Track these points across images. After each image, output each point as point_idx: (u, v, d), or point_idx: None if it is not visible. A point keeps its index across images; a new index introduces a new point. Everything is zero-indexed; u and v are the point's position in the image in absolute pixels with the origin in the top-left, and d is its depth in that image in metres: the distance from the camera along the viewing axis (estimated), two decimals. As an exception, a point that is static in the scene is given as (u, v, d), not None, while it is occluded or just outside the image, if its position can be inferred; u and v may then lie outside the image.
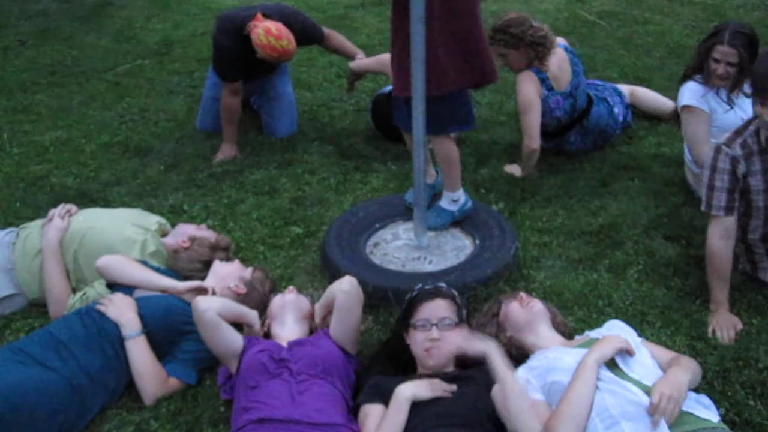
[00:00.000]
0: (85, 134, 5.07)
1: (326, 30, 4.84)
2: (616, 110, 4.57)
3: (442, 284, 2.90)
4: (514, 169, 4.31)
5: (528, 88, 4.15)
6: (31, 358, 2.68)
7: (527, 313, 2.74)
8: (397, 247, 3.59)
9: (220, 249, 3.44)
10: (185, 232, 3.51)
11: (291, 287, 3.13)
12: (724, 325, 3.04)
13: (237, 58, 4.48)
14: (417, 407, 2.46)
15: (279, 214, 4.04)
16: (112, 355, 2.78)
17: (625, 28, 6.65)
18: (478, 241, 3.53)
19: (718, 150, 3.07)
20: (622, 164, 4.38)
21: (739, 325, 3.04)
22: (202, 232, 3.51)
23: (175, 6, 8.00)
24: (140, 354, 2.80)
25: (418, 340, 2.69)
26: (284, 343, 2.79)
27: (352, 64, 4.76)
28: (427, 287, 2.86)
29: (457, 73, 3.29)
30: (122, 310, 2.86)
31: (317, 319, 2.99)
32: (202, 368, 2.93)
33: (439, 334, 2.66)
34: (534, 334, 2.71)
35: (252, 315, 2.95)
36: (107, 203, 4.18)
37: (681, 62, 5.73)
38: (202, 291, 3.04)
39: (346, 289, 2.81)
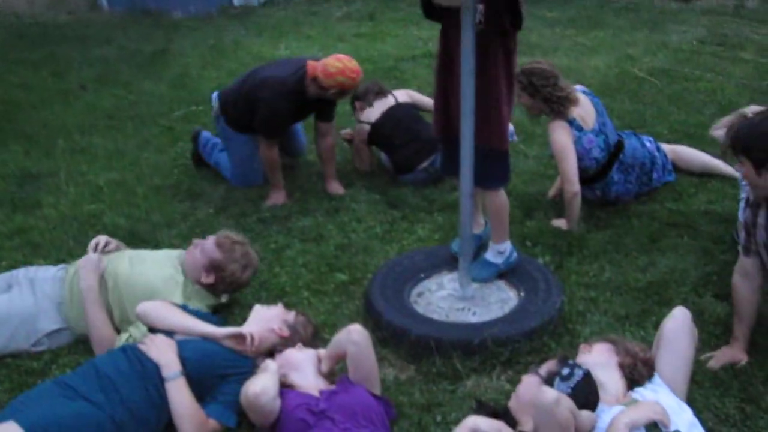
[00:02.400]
0: (138, 176, 5.20)
1: (330, 126, 4.91)
2: (648, 144, 4.61)
3: None
4: (561, 223, 4.29)
5: (560, 135, 4.22)
6: (75, 392, 2.71)
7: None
8: (442, 297, 3.58)
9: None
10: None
11: (299, 344, 3.07)
12: (722, 356, 3.08)
13: (293, 116, 4.65)
14: None
15: (324, 261, 4.07)
16: (153, 393, 2.80)
17: (676, 85, 6.64)
18: (523, 294, 3.51)
19: None
20: (672, 221, 4.33)
21: (742, 361, 3.08)
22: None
23: (230, 54, 8.23)
24: (180, 395, 2.81)
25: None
26: (315, 392, 2.78)
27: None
28: None
29: None
30: (163, 351, 2.88)
31: (324, 368, 2.96)
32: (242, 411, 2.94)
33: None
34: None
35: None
36: (157, 244, 4.25)
37: (733, 120, 5.69)
38: (241, 338, 3.04)
39: (356, 339, 2.84)
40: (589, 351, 2.86)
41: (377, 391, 2.88)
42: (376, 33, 9.00)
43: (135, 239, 4.31)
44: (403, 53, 7.87)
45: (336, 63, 4.48)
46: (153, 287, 3.34)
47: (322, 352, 3.01)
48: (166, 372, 2.82)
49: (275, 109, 4.58)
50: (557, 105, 4.23)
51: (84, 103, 6.81)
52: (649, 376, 2.77)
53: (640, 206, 4.49)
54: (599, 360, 2.78)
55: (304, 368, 2.93)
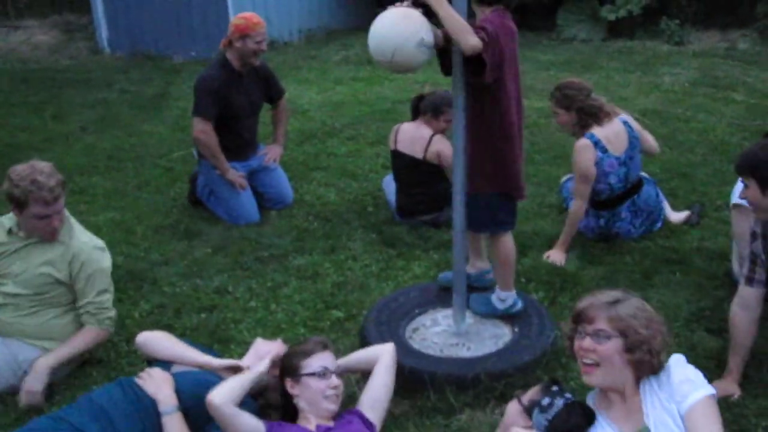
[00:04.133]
0: (137, 216, 5.25)
1: (284, 100, 5.39)
2: (660, 197, 4.73)
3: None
4: (555, 256, 4.35)
5: (585, 155, 4.34)
6: (69, 424, 2.73)
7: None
8: (436, 333, 3.61)
9: None
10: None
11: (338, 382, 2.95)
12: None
13: (225, 89, 4.92)
14: None
15: (321, 298, 4.10)
16: (149, 427, 2.82)
17: (668, 125, 6.73)
18: (516, 329, 3.54)
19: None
20: (665, 257, 4.37)
21: (735, 395, 3.10)
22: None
23: (230, 98, 8.33)
24: (175, 430, 2.83)
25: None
26: (312, 427, 2.80)
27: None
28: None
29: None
30: (159, 386, 2.91)
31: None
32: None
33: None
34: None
35: (272, 386, 3.00)
36: (155, 282, 4.30)
37: (724, 159, 5.78)
38: (238, 369, 3.06)
39: (391, 350, 3.06)
40: (595, 363, 2.49)
41: (381, 417, 2.93)
42: (374, 77, 9.14)
43: (133, 278, 4.36)
44: (400, 96, 7.98)
45: (234, 19, 4.97)
46: None
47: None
48: (162, 407, 2.84)
49: (202, 77, 4.98)
50: (591, 118, 4.36)
51: (84, 145, 6.90)
52: (655, 366, 2.46)
53: (633, 243, 4.54)
54: (616, 377, 2.47)
55: (320, 403, 2.85)
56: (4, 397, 3.34)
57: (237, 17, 4.95)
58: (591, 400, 2.60)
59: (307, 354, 2.91)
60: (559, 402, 2.51)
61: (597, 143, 4.35)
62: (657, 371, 2.45)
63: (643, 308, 2.49)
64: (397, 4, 3.09)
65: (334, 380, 2.87)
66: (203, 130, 4.92)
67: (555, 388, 2.59)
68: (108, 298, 3.55)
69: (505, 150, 3.31)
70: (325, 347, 2.96)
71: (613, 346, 2.42)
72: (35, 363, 3.36)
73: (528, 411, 2.58)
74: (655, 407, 2.40)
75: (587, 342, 2.45)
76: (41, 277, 3.44)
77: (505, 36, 3.11)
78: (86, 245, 3.51)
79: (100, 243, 3.64)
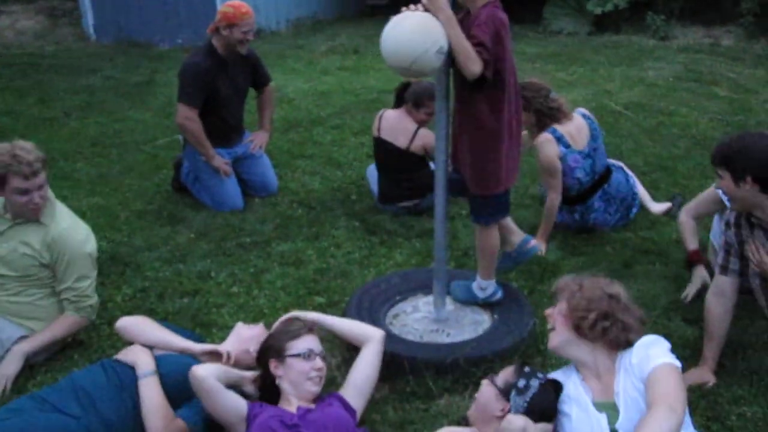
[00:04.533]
0: (120, 202, 5.25)
1: (270, 86, 5.37)
2: (631, 181, 4.77)
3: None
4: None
5: (549, 149, 4.39)
6: (51, 405, 2.75)
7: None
8: (416, 319, 3.64)
9: None
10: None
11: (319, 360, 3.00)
12: (690, 376, 3.13)
13: (211, 75, 4.90)
14: None
15: (303, 284, 4.13)
16: (130, 406, 2.84)
17: (651, 119, 6.79)
18: (496, 316, 3.57)
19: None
20: (644, 248, 4.42)
21: (709, 383, 3.17)
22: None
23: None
24: (151, 393, 2.85)
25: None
26: (293, 409, 2.82)
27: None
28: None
29: None
30: (137, 354, 2.95)
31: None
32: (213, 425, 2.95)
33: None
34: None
35: (248, 379, 2.98)
36: (138, 267, 4.31)
37: (706, 153, 5.81)
38: (218, 355, 3.08)
39: (380, 337, 3.13)
40: (553, 326, 2.76)
41: (363, 405, 2.97)
42: (360, 67, 9.15)
43: (116, 262, 4.36)
44: (386, 86, 7.98)
45: (222, 7, 4.92)
46: None
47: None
48: (139, 371, 2.87)
49: (188, 64, 4.95)
50: (548, 119, 4.39)
51: (69, 130, 6.88)
52: (629, 339, 2.62)
53: (614, 234, 4.59)
54: (564, 338, 2.70)
55: (303, 384, 2.88)
56: (-16, 378, 3.35)
57: (225, 5, 4.91)
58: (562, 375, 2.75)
59: (293, 336, 2.95)
60: (535, 383, 2.59)
61: (560, 138, 4.40)
62: (618, 346, 2.62)
63: (605, 285, 2.70)
64: (411, 7, 3.05)
65: (319, 362, 2.91)
66: (188, 116, 4.92)
67: (527, 369, 2.65)
68: (89, 284, 3.55)
69: (501, 147, 3.30)
70: (310, 330, 3.00)
71: (558, 308, 2.75)
72: (12, 348, 3.37)
73: (505, 394, 2.62)
74: (626, 387, 2.50)
75: (548, 309, 2.82)
76: (25, 259, 3.44)
77: (503, 29, 3.11)
78: (66, 230, 3.50)
79: (84, 228, 3.64)
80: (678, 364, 2.48)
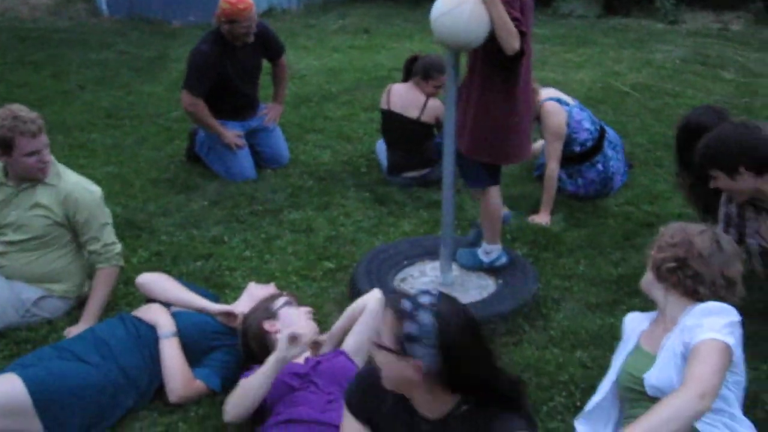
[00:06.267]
0: (135, 170, 5.37)
1: (283, 58, 5.47)
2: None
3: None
4: (539, 218, 4.49)
5: (559, 118, 4.59)
6: (72, 354, 2.88)
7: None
8: (423, 283, 3.76)
9: None
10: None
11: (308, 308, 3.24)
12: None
13: (219, 59, 4.98)
14: None
15: (313, 250, 4.25)
16: (147, 358, 2.97)
17: (657, 99, 6.87)
18: (501, 281, 3.69)
19: None
20: (646, 221, 4.53)
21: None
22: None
23: (227, 61, 8.40)
24: (171, 353, 2.98)
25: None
26: (301, 361, 2.92)
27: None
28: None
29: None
30: (158, 313, 3.07)
31: (333, 341, 3.12)
32: (230, 380, 3.08)
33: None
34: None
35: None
36: (152, 232, 4.43)
37: (710, 132, 5.91)
38: (232, 316, 3.20)
39: (379, 296, 3.13)
40: None
41: (361, 363, 3.04)
42: (371, 45, 9.22)
43: (131, 227, 4.48)
44: (397, 64, 8.02)
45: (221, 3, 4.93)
46: None
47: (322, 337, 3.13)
48: (161, 331, 2.99)
49: (195, 52, 5.04)
50: None
51: (83, 103, 6.98)
52: (697, 290, 2.55)
53: (617, 207, 4.70)
54: (647, 278, 2.74)
55: (299, 321, 3.05)
56: (6, 332, 3.47)
57: (223, 0, 4.89)
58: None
59: (273, 298, 3.18)
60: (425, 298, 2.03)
61: (559, 100, 4.66)
62: (687, 295, 2.54)
63: (694, 233, 2.61)
64: None
65: (305, 307, 3.17)
66: (192, 103, 5.02)
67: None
68: (110, 230, 3.65)
69: (509, 124, 3.43)
70: (280, 295, 3.25)
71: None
72: (79, 323, 3.47)
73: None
74: (675, 344, 2.44)
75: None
76: (38, 219, 3.51)
77: (526, 4, 3.27)
78: (76, 185, 3.59)
79: (88, 180, 3.73)
80: (728, 341, 2.33)
